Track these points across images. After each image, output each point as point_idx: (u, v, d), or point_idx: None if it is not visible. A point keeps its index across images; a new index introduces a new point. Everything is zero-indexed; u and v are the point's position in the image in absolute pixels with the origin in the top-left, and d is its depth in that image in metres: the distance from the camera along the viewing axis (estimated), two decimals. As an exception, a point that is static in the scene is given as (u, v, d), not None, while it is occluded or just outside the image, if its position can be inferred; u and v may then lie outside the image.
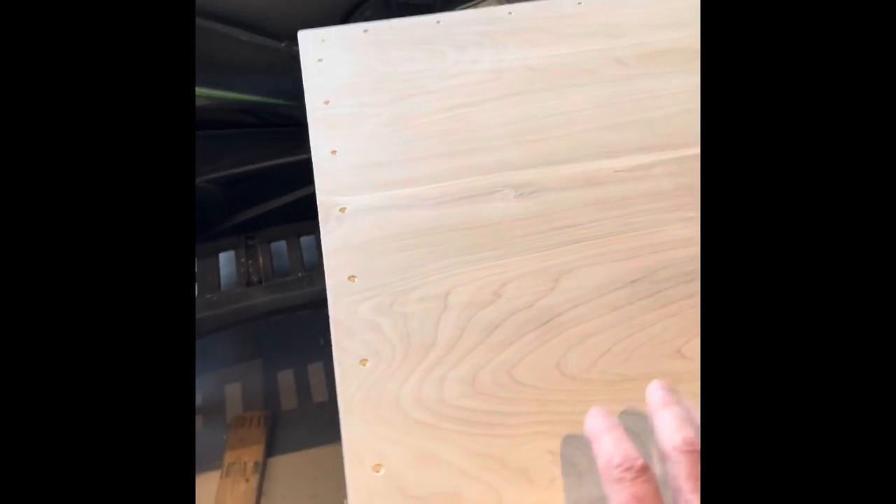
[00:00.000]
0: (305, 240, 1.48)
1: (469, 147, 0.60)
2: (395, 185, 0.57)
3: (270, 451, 1.40)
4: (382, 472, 0.41)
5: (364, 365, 0.46)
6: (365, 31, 0.73)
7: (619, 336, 0.46)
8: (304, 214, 1.46)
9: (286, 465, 1.37)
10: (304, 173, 1.41)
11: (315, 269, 1.36)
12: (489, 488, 0.40)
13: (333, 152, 0.60)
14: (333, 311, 0.49)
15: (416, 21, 0.74)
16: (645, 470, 0.33)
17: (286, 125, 1.36)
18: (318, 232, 1.47)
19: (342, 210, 0.55)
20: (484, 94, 0.65)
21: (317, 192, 0.57)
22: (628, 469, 0.33)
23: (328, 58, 0.70)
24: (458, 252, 0.52)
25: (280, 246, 1.45)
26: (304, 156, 1.39)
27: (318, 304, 1.33)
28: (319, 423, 1.43)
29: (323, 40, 0.72)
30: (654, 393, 0.37)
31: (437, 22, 0.74)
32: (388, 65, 0.69)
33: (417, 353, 0.46)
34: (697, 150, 0.58)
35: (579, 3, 0.74)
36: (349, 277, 0.51)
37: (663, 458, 0.34)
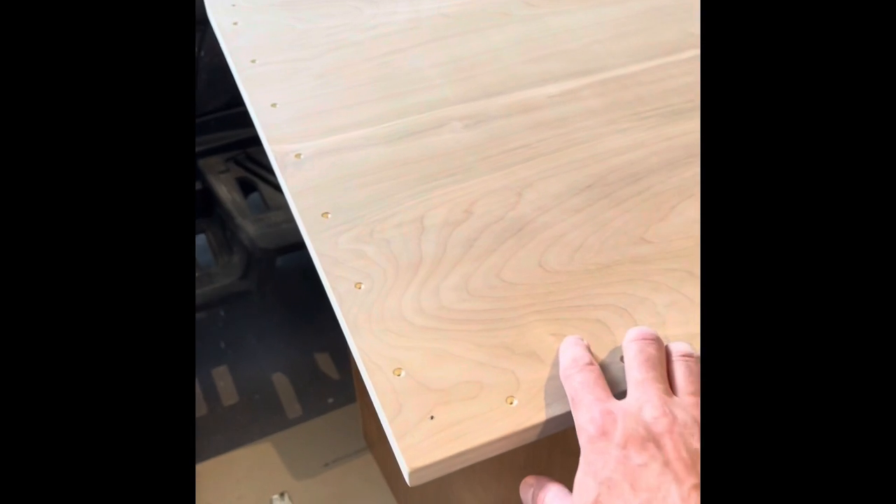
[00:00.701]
0: (196, 239, 1.43)
1: (406, 89, 0.62)
2: (344, 129, 0.58)
3: (188, 459, 1.35)
4: (403, 374, 0.42)
5: (359, 288, 0.47)
6: (274, -7, 0.73)
7: (588, 233, 0.50)
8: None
9: (207, 472, 1.33)
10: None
11: (210, 269, 1.32)
12: (504, 371, 0.43)
13: (273, 105, 0.60)
14: (315, 246, 0.49)
15: (322, -18, 0.75)
16: (590, 364, 0.41)
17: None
18: (209, 231, 1.44)
19: (297, 156, 0.56)
20: (407, 41, 0.67)
21: (266, 142, 0.57)
22: (575, 366, 0.41)
23: (242, 21, 0.70)
24: (422, 181, 0.54)
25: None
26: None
27: (217, 304, 1.30)
28: (234, 426, 1.40)
29: (233, 5, 0.71)
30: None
31: (345, -19, 0.75)
32: (304, 23, 0.70)
33: (408, 271, 0.48)
34: (616, 73, 0.63)
35: (477, -43, 0.78)
36: (322, 214, 0.52)
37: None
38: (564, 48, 0.66)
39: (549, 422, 0.41)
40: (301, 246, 1.29)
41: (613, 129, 0.58)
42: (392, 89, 0.62)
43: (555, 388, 0.42)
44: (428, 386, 0.42)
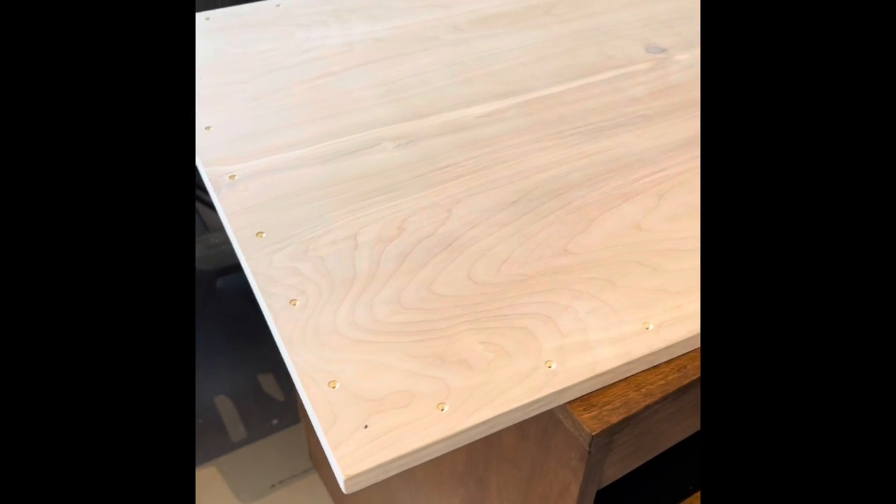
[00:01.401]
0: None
1: (339, 111, 0.64)
2: (278, 150, 0.60)
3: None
4: (338, 385, 0.44)
5: (294, 304, 0.48)
6: (207, 18, 0.74)
7: (513, 246, 0.53)
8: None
9: None
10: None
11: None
12: (436, 380, 0.45)
13: (208, 128, 0.61)
14: (250, 265, 0.51)
15: (254, 7, 0.77)
16: None
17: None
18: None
19: (231, 177, 0.57)
20: (340, 64, 0.69)
21: (200, 164, 0.58)
22: None
23: (176, 45, 0.70)
24: (355, 199, 0.56)
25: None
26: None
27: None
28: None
29: (166, 30, 0.72)
30: None
31: (277, 6, 0.77)
32: (238, 48, 0.71)
33: (342, 287, 0.50)
34: (540, 93, 0.67)
35: (407, -18, 0.81)
36: (257, 234, 0.53)
37: None
38: (491, 70, 0.69)
39: (479, 426, 0.43)
40: (241, 267, 1.29)
41: (538, 147, 0.61)
42: (326, 111, 0.64)
43: (484, 393, 0.44)
44: (362, 396, 0.43)
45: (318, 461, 1.28)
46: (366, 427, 0.42)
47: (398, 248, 0.52)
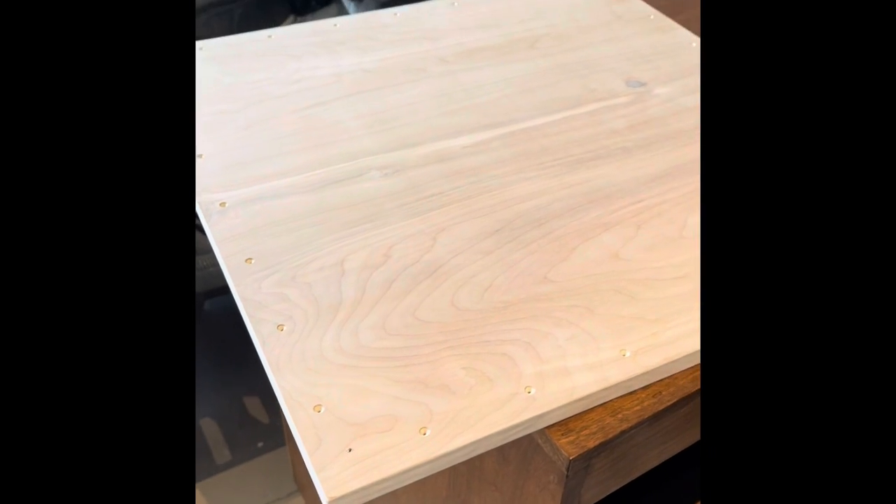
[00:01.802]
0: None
1: (328, 140, 0.66)
2: (268, 179, 0.61)
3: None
4: (323, 409, 0.45)
5: (281, 330, 0.50)
6: (200, 48, 0.76)
7: (496, 273, 0.55)
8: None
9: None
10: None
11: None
12: (418, 405, 0.46)
13: (200, 156, 0.63)
14: (239, 290, 0.52)
15: (247, 37, 0.79)
16: None
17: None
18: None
19: (222, 205, 0.59)
20: (329, 95, 0.71)
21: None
22: None
23: (169, 74, 0.72)
24: (342, 227, 0.58)
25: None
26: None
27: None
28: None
29: (160, 59, 0.74)
30: None
31: (269, 37, 0.79)
32: (230, 76, 0.73)
33: (328, 313, 0.51)
34: (524, 125, 0.69)
35: (395, 14, 0.83)
36: (246, 260, 0.54)
37: None
38: (476, 102, 0.71)
39: (460, 450, 0.44)
40: (228, 290, 1.30)
41: (521, 177, 0.63)
42: (315, 140, 0.66)
43: (465, 418, 0.45)
44: (346, 420, 0.45)
45: (302, 484, 1.28)
46: (350, 450, 0.43)
47: (384, 274, 0.54)
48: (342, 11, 1.34)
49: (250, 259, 0.54)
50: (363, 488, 0.42)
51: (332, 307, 0.51)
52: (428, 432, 0.44)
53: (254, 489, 1.36)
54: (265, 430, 1.45)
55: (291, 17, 1.37)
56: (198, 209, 0.59)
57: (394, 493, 0.76)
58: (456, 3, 0.86)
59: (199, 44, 0.76)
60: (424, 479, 0.57)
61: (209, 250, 1.31)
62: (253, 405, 1.51)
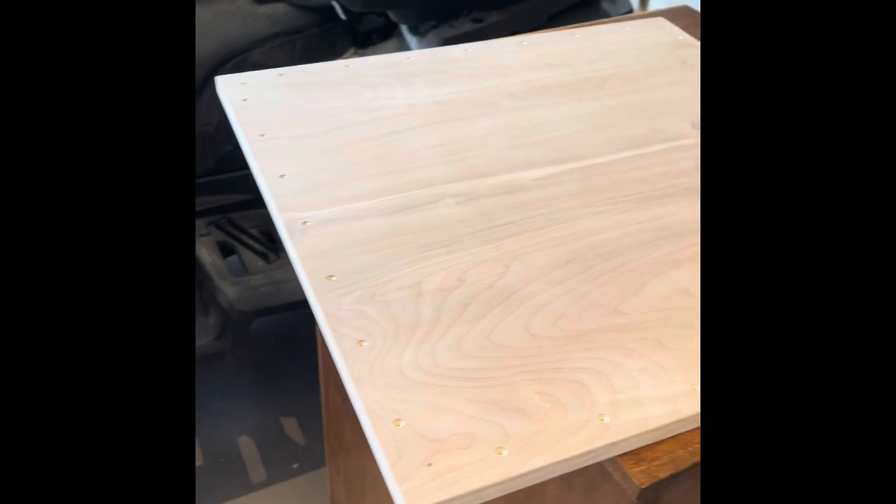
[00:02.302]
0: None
1: (403, 167, 0.68)
2: (347, 201, 0.64)
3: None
4: (403, 424, 0.47)
5: (361, 345, 0.51)
6: (280, 74, 0.80)
7: (568, 303, 0.56)
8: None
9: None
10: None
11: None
12: (494, 425, 0.47)
13: (282, 176, 0.66)
14: (321, 305, 0.54)
15: (325, 66, 0.82)
16: None
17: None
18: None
19: (304, 223, 0.61)
20: (404, 124, 0.74)
21: (274, 209, 0.62)
22: None
23: (252, 98, 0.76)
24: (418, 250, 0.59)
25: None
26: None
27: (195, 361, 1.31)
28: (198, 488, 1.39)
29: (243, 83, 0.78)
30: None
31: (346, 66, 0.82)
32: (310, 103, 0.76)
33: (406, 332, 0.53)
34: (593, 161, 0.70)
35: (466, 50, 0.86)
36: (327, 277, 0.56)
37: None
38: (546, 137, 0.73)
39: (536, 471, 0.45)
40: (278, 310, 1.33)
41: (591, 211, 0.65)
42: (391, 166, 0.68)
43: (541, 440, 0.46)
44: (425, 436, 0.46)
45: (339, 507, 1.28)
46: (429, 465, 0.44)
47: (459, 297, 0.56)
48: (403, 45, 1.38)
49: (331, 276, 0.56)
50: (443, 502, 0.43)
51: (410, 326, 0.53)
52: (505, 452, 0.46)
53: (288, 510, 1.37)
54: (301, 451, 1.46)
55: (352, 51, 1.41)
56: (280, 227, 0.61)
57: (442, 519, 0.77)
58: (525, 42, 0.89)
59: (279, 70, 0.80)
60: None
61: (258, 270, 1.34)
62: (290, 426, 1.52)
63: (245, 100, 0.75)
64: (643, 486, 0.47)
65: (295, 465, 1.43)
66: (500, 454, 0.45)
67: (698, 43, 0.90)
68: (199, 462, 1.43)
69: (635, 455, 0.48)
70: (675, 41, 0.90)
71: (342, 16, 1.35)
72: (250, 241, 1.40)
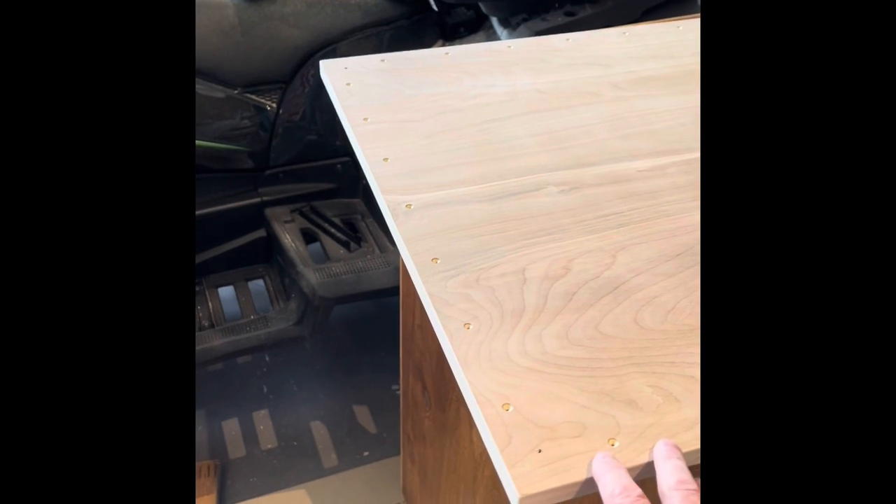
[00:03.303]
0: (253, 284, 1.48)
1: (506, 154, 0.67)
2: (450, 186, 0.63)
3: (222, 500, 1.37)
4: (511, 409, 0.46)
5: (468, 328, 0.51)
6: (382, 60, 0.80)
7: (679, 297, 0.54)
8: (251, 259, 1.47)
9: (240, 514, 1.35)
10: (251, 219, 1.43)
11: (267, 313, 1.37)
12: (606, 416, 0.46)
13: (385, 159, 0.66)
14: (427, 287, 0.54)
15: (426, 52, 0.82)
16: (642, 497, 0.41)
17: (234, 171, 1.39)
18: (267, 277, 1.48)
19: (408, 206, 0.61)
20: (505, 111, 0.73)
21: (378, 192, 0.63)
22: (627, 496, 0.40)
23: (355, 83, 0.76)
24: (523, 237, 0.59)
25: (227, 291, 1.45)
26: (252, 200, 1.42)
27: (273, 346, 1.34)
28: (269, 469, 1.42)
29: (346, 68, 0.78)
30: (659, 448, 0.44)
31: (447, 54, 0.82)
32: (411, 88, 0.76)
33: (512, 317, 0.52)
34: (699, 154, 0.68)
35: (567, 40, 0.85)
36: (432, 260, 0.56)
37: (662, 497, 0.41)
38: (651, 128, 0.71)
39: (649, 465, 0.44)
40: (357, 297, 1.34)
41: (699, 204, 0.63)
42: (492, 153, 0.67)
43: (654, 434, 0.45)
44: (535, 422, 0.45)
45: (411, 495, 1.29)
46: (539, 451, 0.44)
47: (564, 286, 0.55)
48: (491, 39, 1.38)
49: (436, 259, 0.56)
50: (554, 489, 0.42)
51: (516, 312, 0.52)
52: (617, 444, 0.44)
53: (358, 496, 1.38)
54: (372, 440, 1.47)
55: (440, 42, 1.42)
56: (384, 209, 0.61)
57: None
58: (627, 33, 0.87)
59: (380, 56, 0.80)
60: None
61: (339, 258, 1.36)
62: (362, 415, 1.53)
63: (348, 84, 0.76)
64: (760, 488, 0.45)
65: (366, 453, 1.45)
66: (612, 445, 0.44)
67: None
68: (272, 444, 1.46)
69: (751, 455, 0.46)
70: (785, 35, 0.87)
71: (434, 7, 1.35)
72: (332, 230, 1.42)
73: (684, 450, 0.44)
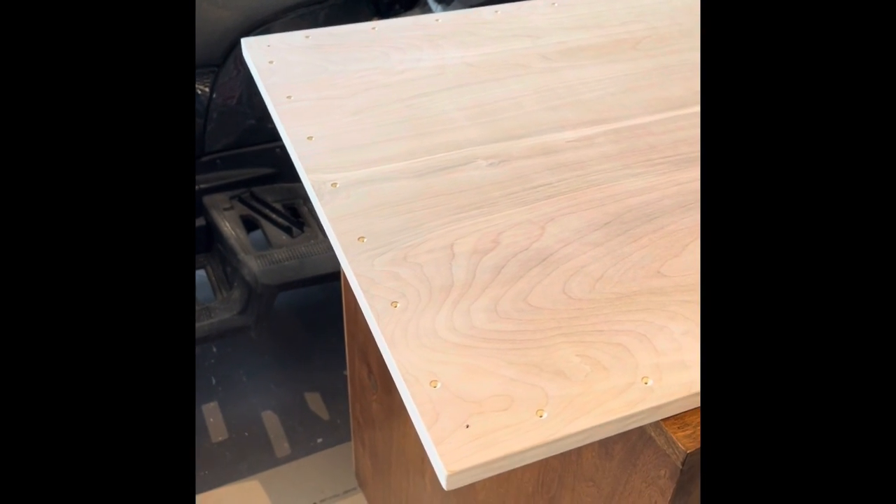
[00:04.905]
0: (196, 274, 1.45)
1: (434, 129, 0.66)
2: (377, 163, 0.62)
3: (174, 495, 1.35)
4: (439, 385, 0.45)
5: (395, 306, 0.50)
6: (306, 37, 0.78)
7: (607, 265, 0.54)
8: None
9: (193, 508, 1.32)
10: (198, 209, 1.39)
11: (210, 303, 1.34)
12: (534, 387, 0.45)
13: (310, 138, 0.64)
14: (353, 267, 0.52)
15: (351, 28, 0.80)
16: None
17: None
18: (209, 266, 1.45)
19: (333, 185, 0.59)
20: (433, 86, 0.72)
21: (302, 171, 0.61)
22: None
23: (278, 60, 0.74)
24: (451, 212, 0.58)
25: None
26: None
27: (217, 337, 1.31)
28: (221, 462, 1.40)
29: (269, 45, 0.76)
30: None
31: (373, 28, 0.80)
32: (336, 65, 0.74)
33: (441, 293, 0.51)
34: (629, 123, 0.68)
35: (496, 12, 0.84)
36: (358, 238, 0.55)
37: None
38: (580, 99, 0.71)
39: (577, 434, 0.43)
40: (301, 284, 1.32)
41: (627, 173, 0.62)
42: (421, 129, 0.66)
43: (582, 403, 0.45)
44: (462, 398, 0.45)
45: (363, 481, 1.28)
46: (467, 427, 0.43)
47: (493, 260, 0.54)
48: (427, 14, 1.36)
49: (363, 238, 0.55)
50: (482, 465, 0.41)
51: (444, 288, 0.51)
52: (545, 415, 0.44)
53: (312, 484, 1.37)
54: (325, 426, 1.46)
55: (375, 20, 1.39)
56: (309, 188, 0.60)
57: (470, 489, 0.75)
58: (556, 3, 0.86)
59: (305, 32, 0.78)
60: (507, 473, 0.57)
61: (282, 244, 1.33)
62: (314, 401, 1.52)
63: (271, 62, 0.73)
64: (689, 451, 0.45)
65: (319, 440, 1.43)
66: (540, 416, 0.44)
67: (736, 3, 0.87)
68: (223, 436, 1.43)
69: (679, 419, 0.46)
70: (712, 2, 0.87)
71: (366, -16, 1.32)
72: (273, 216, 1.39)
73: (611, 417, 0.44)
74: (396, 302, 0.50)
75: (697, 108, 0.70)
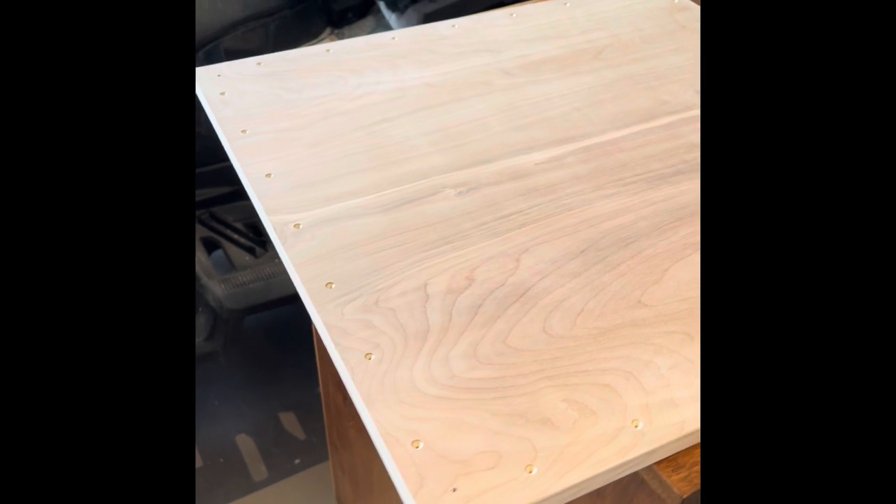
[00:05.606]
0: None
1: (398, 158, 0.64)
2: (340, 198, 0.59)
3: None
4: (422, 445, 0.43)
5: (369, 359, 0.47)
6: (259, 63, 0.75)
7: (587, 297, 0.52)
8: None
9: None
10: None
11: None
12: (521, 440, 0.43)
13: (268, 175, 0.61)
14: (322, 317, 0.50)
15: (305, 51, 0.77)
16: None
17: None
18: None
19: (296, 226, 0.57)
20: (394, 110, 0.69)
21: (263, 212, 0.58)
22: None
23: (230, 91, 0.70)
24: (421, 248, 0.55)
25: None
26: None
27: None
28: (198, 490, 1.36)
29: (219, 75, 0.72)
30: None
31: (327, 51, 0.77)
32: (292, 92, 0.71)
33: (416, 340, 0.49)
34: (597, 139, 0.66)
35: (454, 26, 0.81)
36: (326, 285, 0.52)
37: None
38: (545, 116, 0.69)
39: (570, 489, 0.42)
40: (268, 306, 1.28)
41: (600, 194, 0.61)
42: (384, 158, 0.63)
43: (573, 455, 0.43)
44: (447, 457, 0.42)
45: (345, 502, 1.25)
46: (454, 490, 0.41)
47: (469, 299, 0.52)
48: (381, 23, 1.32)
49: (331, 283, 0.52)
50: (473, 532, 0.39)
51: (420, 334, 0.49)
52: (535, 471, 0.42)
53: (292, 507, 1.34)
54: (302, 446, 1.43)
55: (328, 30, 1.36)
56: (271, 231, 0.57)
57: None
58: (514, 14, 0.84)
59: (257, 59, 0.75)
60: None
61: (246, 266, 1.29)
62: (289, 421, 1.49)
63: (223, 93, 0.70)
64: (685, 496, 0.43)
65: (297, 461, 1.40)
66: (530, 472, 0.42)
67: (697, 5, 0.85)
68: (198, 464, 1.40)
69: (672, 461, 0.45)
70: (672, 5, 0.86)
71: (316, -6, 1.29)
72: (235, 236, 1.35)
73: (603, 468, 0.42)
74: (371, 353, 0.48)
75: (666, 121, 0.69)
